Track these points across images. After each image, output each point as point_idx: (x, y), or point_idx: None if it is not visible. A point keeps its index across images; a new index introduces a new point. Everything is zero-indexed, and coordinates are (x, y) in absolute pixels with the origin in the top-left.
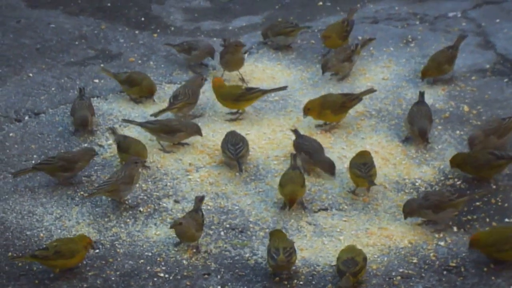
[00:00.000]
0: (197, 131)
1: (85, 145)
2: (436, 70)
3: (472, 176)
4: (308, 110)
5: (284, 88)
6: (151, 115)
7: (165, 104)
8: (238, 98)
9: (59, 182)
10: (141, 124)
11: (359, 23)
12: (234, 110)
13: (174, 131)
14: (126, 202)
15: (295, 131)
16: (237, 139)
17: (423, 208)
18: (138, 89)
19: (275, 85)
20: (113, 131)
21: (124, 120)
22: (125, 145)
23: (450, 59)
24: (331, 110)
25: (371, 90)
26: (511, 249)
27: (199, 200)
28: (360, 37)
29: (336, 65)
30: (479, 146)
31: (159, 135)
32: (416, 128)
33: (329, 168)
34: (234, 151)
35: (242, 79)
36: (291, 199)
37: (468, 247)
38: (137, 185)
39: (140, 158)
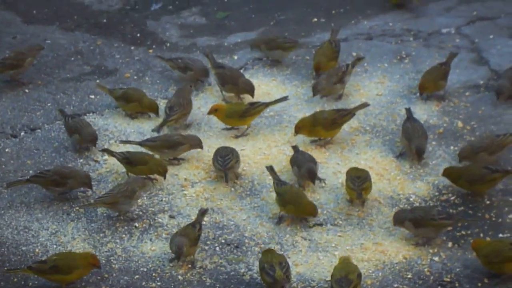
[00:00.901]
0: (199, 144)
1: (81, 160)
2: (433, 85)
3: (466, 190)
4: (299, 128)
5: (285, 98)
6: (153, 130)
7: (160, 119)
8: (244, 114)
9: (54, 197)
10: (141, 144)
11: (353, 39)
12: (229, 126)
13: (177, 145)
14: (127, 216)
15: (295, 147)
16: (226, 151)
17: (407, 219)
18: (135, 105)
19: (270, 100)
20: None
21: (122, 141)
22: (135, 159)
23: (444, 75)
24: (322, 126)
25: (364, 105)
26: (501, 263)
27: (202, 213)
28: (354, 53)
29: (327, 87)
30: (466, 160)
31: (162, 151)
32: (414, 146)
33: (309, 174)
34: (223, 162)
35: (239, 97)
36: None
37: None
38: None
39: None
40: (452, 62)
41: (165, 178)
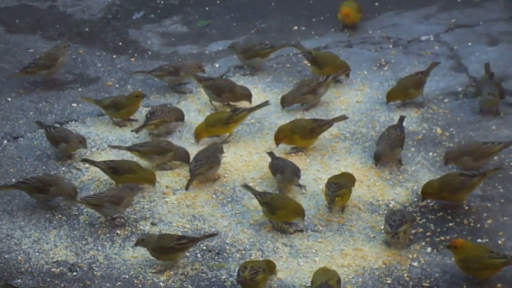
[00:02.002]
0: (186, 158)
1: (63, 168)
2: (402, 94)
3: (448, 201)
4: (278, 139)
5: (266, 103)
6: (132, 131)
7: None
8: (227, 121)
9: (37, 205)
10: (130, 149)
11: (334, 47)
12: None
13: (166, 151)
14: (112, 221)
15: (271, 154)
16: (203, 156)
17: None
18: (124, 112)
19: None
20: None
21: (112, 146)
22: (122, 168)
23: (417, 83)
24: (300, 135)
25: (342, 117)
26: (479, 269)
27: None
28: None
29: (295, 100)
30: (451, 163)
31: (151, 157)
32: (374, 151)
33: (293, 173)
34: (194, 166)
35: (228, 104)
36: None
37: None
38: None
39: (137, 185)
40: (431, 71)
41: (154, 185)
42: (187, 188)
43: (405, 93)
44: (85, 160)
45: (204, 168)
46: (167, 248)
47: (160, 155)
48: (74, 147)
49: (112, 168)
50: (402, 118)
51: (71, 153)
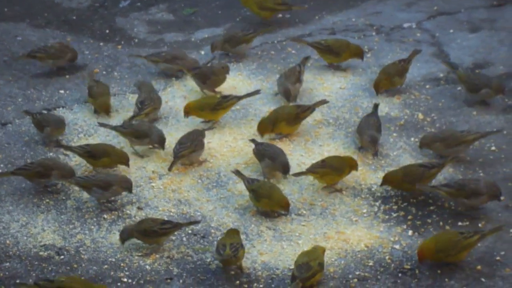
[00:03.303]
0: (160, 142)
1: (51, 154)
2: (387, 82)
3: (408, 192)
4: (262, 130)
5: (257, 92)
6: (124, 122)
7: (130, 114)
8: (216, 107)
9: (25, 190)
10: (115, 128)
11: (318, 34)
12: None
13: (143, 136)
14: (104, 205)
15: (253, 140)
16: (187, 139)
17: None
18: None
19: (236, 94)
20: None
21: (100, 124)
22: (98, 151)
23: (400, 71)
24: (286, 122)
25: (323, 102)
26: (458, 252)
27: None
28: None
29: (294, 89)
30: (425, 148)
31: (131, 139)
32: (367, 137)
33: (283, 169)
34: (177, 149)
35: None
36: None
37: (418, 260)
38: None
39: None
40: (413, 59)
41: (128, 166)
42: (170, 169)
43: (390, 81)
44: (60, 146)
45: (187, 151)
46: (150, 232)
47: (137, 139)
48: (57, 132)
49: (88, 152)
50: (376, 106)
51: (57, 137)
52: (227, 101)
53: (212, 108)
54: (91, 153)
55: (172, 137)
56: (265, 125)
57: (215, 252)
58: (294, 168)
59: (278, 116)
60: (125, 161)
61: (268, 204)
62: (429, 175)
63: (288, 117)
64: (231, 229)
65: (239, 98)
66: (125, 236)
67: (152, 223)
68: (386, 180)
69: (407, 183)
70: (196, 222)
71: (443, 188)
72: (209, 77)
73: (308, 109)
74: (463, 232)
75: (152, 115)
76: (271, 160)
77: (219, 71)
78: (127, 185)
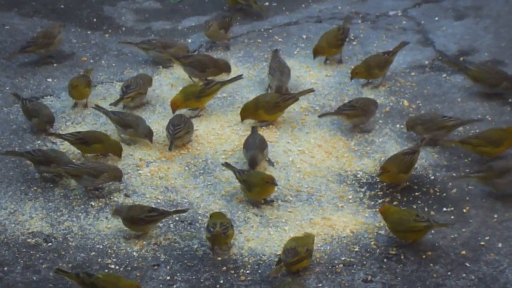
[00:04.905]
0: (148, 135)
1: (39, 142)
2: (366, 73)
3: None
4: (243, 113)
5: (240, 77)
6: (110, 105)
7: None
8: (200, 94)
9: (13, 177)
10: (107, 113)
11: (304, 22)
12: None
13: (128, 126)
14: (94, 192)
15: (253, 128)
16: (179, 121)
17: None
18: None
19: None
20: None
21: (95, 107)
22: (91, 138)
23: (382, 64)
24: (264, 110)
25: (309, 90)
26: (405, 232)
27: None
28: (304, 36)
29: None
30: (409, 130)
31: (117, 127)
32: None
33: (250, 163)
34: (173, 131)
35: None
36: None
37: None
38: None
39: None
40: (399, 51)
41: (120, 157)
42: (170, 149)
43: (369, 72)
44: (51, 134)
45: (183, 132)
46: (137, 219)
47: (122, 127)
48: (43, 125)
49: (81, 139)
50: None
51: (40, 129)
52: (210, 87)
53: (197, 96)
54: (83, 140)
55: (159, 125)
56: (245, 111)
57: (205, 230)
58: (280, 155)
59: (258, 104)
60: (118, 151)
61: (259, 192)
62: (415, 160)
63: (266, 105)
64: (217, 212)
65: (222, 83)
66: (117, 213)
67: (139, 211)
68: (385, 169)
69: (402, 173)
70: (183, 211)
71: (474, 174)
72: (209, 66)
73: (291, 98)
74: (419, 215)
75: (138, 100)
76: (246, 150)
77: (220, 61)
78: (118, 174)
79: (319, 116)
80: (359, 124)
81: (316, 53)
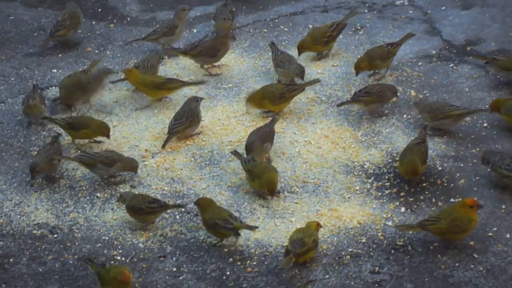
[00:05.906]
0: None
1: (44, 133)
2: (368, 65)
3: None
4: (247, 102)
5: (203, 82)
6: (111, 82)
7: (123, 92)
8: (159, 86)
9: (18, 169)
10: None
11: (310, 12)
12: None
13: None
14: (108, 180)
15: (273, 119)
16: (181, 115)
17: None
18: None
19: (229, 72)
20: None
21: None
22: (78, 123)
23: (384, 55)
24: (269, 100)
25: (315, 81)
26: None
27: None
28: (311, 25)
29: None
30: (418, 114)
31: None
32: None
33: (246, 147)
34: (171, 125)
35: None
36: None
37: None
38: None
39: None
40: (405, 42)
41: (109, 137)
42: (163, 146)
43: (371, 64)
44: (44, 118)
45: (182, 127)
46: (137, 209)
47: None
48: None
49: (69, 124)
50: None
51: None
52: (172, 83)
53: (155, 86)
54: (72, 125)
55: (164, 115)
56: (252, 101)
57: (220, 230)
58: (287, 146)
59: (263, 94)
60: (106, 131)
61: (258, 184)
62: (425, 149)
63: (272, 96)
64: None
65: (184, 84)
66: (123, 202)
67: (141, 201)
68: (412, 173)
69: (422, 164)
70: (181, 206)
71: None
72: (219, 49)
73: (297, 89)
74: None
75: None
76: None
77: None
78: (135, 164)
79: (338, 106)
80: (376, 110)
81: (299, 48)
